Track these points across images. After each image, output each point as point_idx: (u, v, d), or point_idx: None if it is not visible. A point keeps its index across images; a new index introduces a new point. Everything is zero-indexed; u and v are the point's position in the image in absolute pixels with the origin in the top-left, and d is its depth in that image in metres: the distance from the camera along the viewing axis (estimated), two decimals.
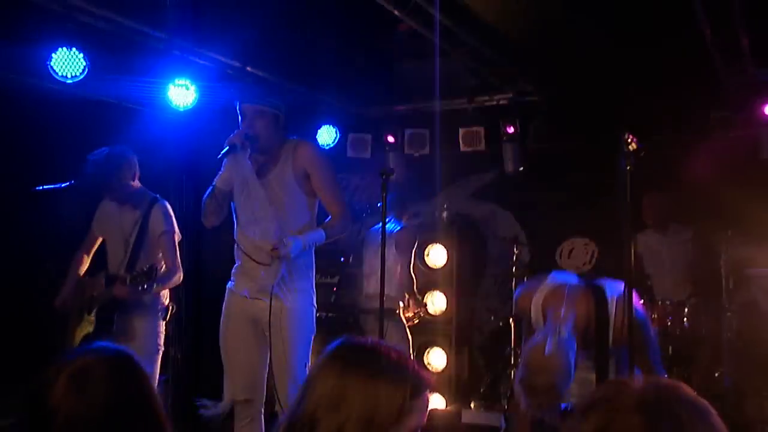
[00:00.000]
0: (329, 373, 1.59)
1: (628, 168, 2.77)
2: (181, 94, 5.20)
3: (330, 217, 3.91)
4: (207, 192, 3.85)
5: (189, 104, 5.25)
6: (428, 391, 1.64)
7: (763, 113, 6.09)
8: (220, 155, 3.70)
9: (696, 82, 6.09)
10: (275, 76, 5.97)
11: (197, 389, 5.27)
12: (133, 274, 4.20)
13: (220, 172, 3.82)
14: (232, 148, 3.69)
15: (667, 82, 5.90)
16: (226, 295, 3.95)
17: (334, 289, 6.44)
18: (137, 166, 4.58)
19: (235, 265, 3.94)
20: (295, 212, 3.83)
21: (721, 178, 6.03)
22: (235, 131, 3.79)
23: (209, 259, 5.61)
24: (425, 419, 1.64)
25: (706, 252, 5.78)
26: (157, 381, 4.55)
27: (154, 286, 4.24)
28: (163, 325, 4.53)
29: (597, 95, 6.17)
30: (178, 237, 4.53)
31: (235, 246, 3.88)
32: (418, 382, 1.62)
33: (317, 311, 3.95)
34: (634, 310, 3.17)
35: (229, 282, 3.95)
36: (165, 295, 4.57)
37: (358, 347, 1.67)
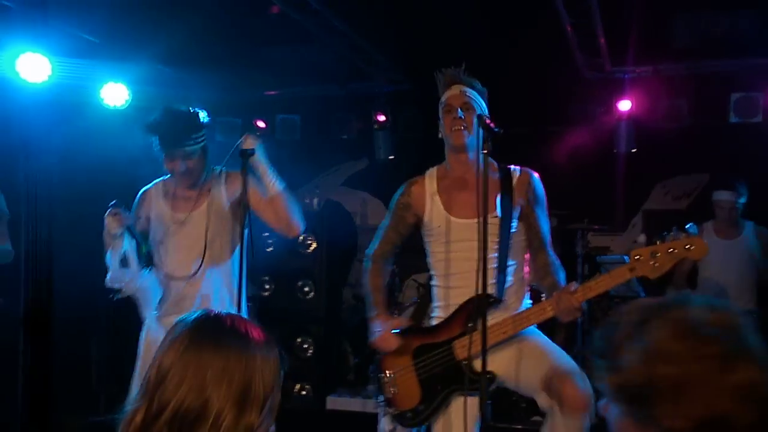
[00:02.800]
0: (196, 350, 1.51)
1: (484, 152, 2.80)
2: (34, 68, 4.86)
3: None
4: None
5: (44, 79, 4.92)
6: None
7: (617, 109, 6.42)
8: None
9: (558, 75, 6.34)
10: (134, 54, 5.72)
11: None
12: None
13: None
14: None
15: (531, 75, 6.10)
16: None
17: None
18: None
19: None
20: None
21: (579, 168, 6.32)
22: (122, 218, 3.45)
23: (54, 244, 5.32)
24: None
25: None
26: None
27: None
28: None
29: None
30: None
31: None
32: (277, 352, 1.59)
33: None
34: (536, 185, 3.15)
35: None
36: None
37: (218, 321, 1.59)
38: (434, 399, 3.10)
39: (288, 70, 6.77)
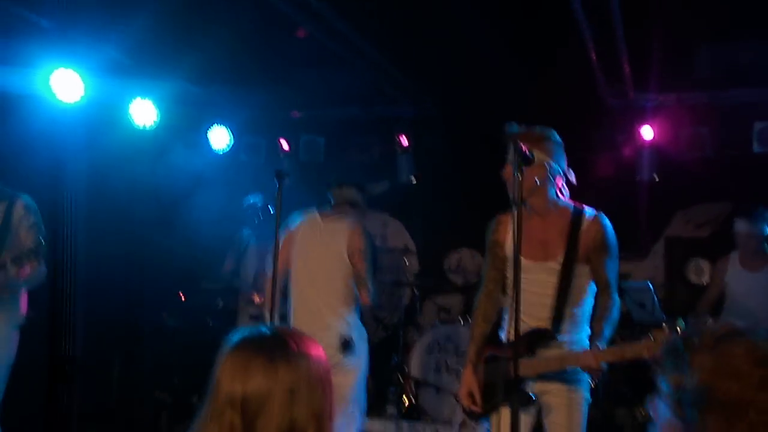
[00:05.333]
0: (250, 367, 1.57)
1: (519, 177, 2.83)
2: (68, 86, 4.97)
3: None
4: None
5: (77, 99, 5.02)
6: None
7: (640, 137, 6.44)
8: None
9: (581, 102, 6.38)
10: (167, 73, 5.83)
11: None
12: (13, 254, 4.12)
13: None
14: None
15: (554, 100, 6.14)
16: None
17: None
18: None
19: None
20: None
21: (601, 195, 6.32)
22: None
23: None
24: None
25: None
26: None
27: (26, 270, 4.18)
28: (17, 338, 4.39)
29: (488, 110, 6.34)
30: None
31: None
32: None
33: None
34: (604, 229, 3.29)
35: None
36: (25, 302, 4.45)
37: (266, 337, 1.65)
38: (492, 402, 3.37)
39: (314, 92, 6.86)
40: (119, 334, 6.22)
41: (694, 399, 1.27)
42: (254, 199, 6.13)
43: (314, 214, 4.64)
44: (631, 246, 6.73)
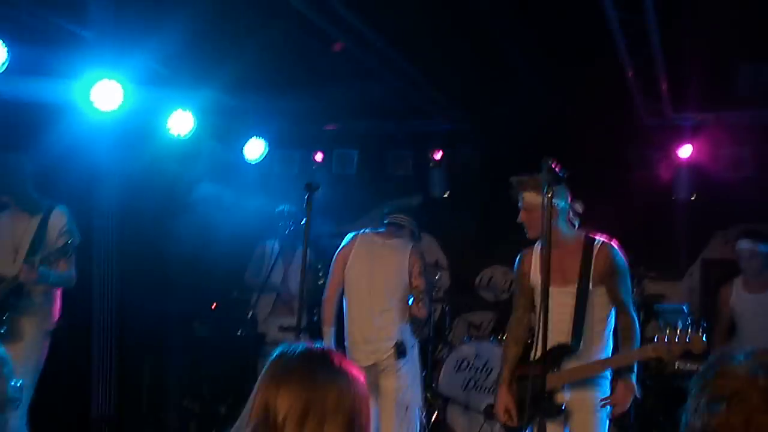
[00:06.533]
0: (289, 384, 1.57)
1: (549, 195, 2.82)
2: (107, 95, 5.03)
3: None
4: None
5: (115, 107, 5.08)
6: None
7: (677, 156, 6.35)
8: None
9: (619, 120, 6.31)
10: (204, 83, 5.89)
11: None
12: (44, 253, 4.24)
13: None
14: None
15: (592, 118, 6.09)
16: None
17: None
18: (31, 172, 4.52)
19: None
20: None
21: (637, 214, 6.25)
22: None
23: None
24: None
25: None
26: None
27: (56, 275, 4.33)
28: (47, 344, 4.48)
29: (523, 126, 6.31)
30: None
31: None
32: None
33: None
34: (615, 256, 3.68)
35: None
36: (57, 308, 4.51)
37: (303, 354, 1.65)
38: (525, 417, 3.67)
39: (347, 105, 6.88)
40: (150, 342, 6.27)
41: None
42: (285, 207, 6.16)
43: (370, 234, 4.92)
44: (667, 266, 6.62)
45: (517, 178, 3.68)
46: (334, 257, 4.87)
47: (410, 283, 4.76)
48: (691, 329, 3.40)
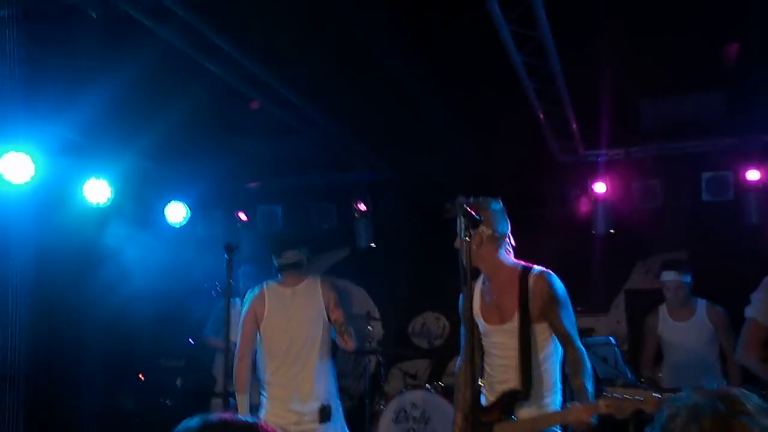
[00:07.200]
0: None
1: (467, 238, 2.85)
2: (18, 168, 4.89)
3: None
4: None
5: (26, 179, 4.94)
6: None
7: (593, 192, 6.55)
8: None
9: (533, 160, 6.48)
10: (121, 150, 5.80)
11: None
12: None
13: None
14: None
15: (506, 159, 6.24)
16: None
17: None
18: None
19: None
20: None
21: (557, 250, 6.36)
22: None
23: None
24: None
25: None
26: None
27: None
28: None
29: (442, 172, 6.41)
30: None
31: None
32: None
33: None
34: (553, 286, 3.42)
35: None
36: None
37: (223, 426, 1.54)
38: None
39: (269, 162, 6.88)
40: (68, 420, 5.97)
41: None
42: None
43: (272, 285, 4.64)
44: (592, 301, 6.76)
45: (458, 199, 3.25)
46: (243, 316, 4.54)
47: (329, 318, 4.54)
48: (645, 388, 3.26)
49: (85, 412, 6.14)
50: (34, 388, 5.18)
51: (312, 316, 4.56)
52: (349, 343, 4.53)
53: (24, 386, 5.05)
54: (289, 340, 4.53)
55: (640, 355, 5.64)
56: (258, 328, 4.53)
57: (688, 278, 5.27)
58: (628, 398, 3.10)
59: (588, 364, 3.40)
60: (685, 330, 5.32)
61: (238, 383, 4.42)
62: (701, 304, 5.32)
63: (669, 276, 5.30)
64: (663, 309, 5.44)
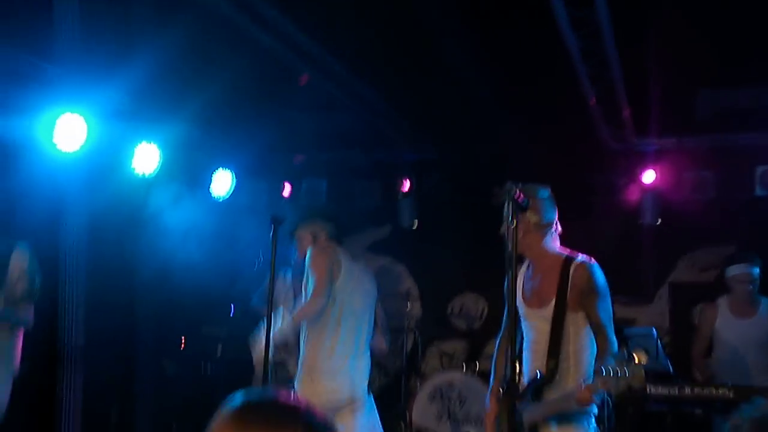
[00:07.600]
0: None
1: (513, 221, 2.82)
2: (71, 131, 4.95)
3: None
4: None
5: (79, 145, 5.00)
6: None
7: (642, 181, 6.43)
8: None
9: (583, 147, 6.38)
10: (170, 115, 5.85)
11: None
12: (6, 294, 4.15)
13: None
14: None
15: (556, 145, 6.15)
16: None
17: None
18: None
19: None
20: None
21: (604, 239, 6.29)
22: None
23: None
24: None
25: None
26: None
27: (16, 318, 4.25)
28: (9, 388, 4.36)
29: (489, 154, 6.35)
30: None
31: None
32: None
33: None
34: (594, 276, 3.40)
35: None
36: (19, 351, 4.41)
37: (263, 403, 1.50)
38: None
39: (316, 136, 6.89)
40: (117, 382, 6.13)
41: None
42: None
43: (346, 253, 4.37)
44: (636, 291, 6.67)
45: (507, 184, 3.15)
46: (313, 260, 4.15)
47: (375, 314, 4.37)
48: (633, 364, 3.16)
49: (138, 380, 6.29)
50: (91, 362, 5.32)
51: (373, 297, 4.43)
52: (383, 345, 4.49)
53: (82, 363, 5.21)
54: (356, 313, 4.33)
55: (691, 349, 5.36)
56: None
57: (757, 270, 5.00)
58: (621, 376, 3.03)
59: (612, 354, 3.34)
60: (746, 328, 5.02)
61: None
62: (765, 302, 5.05)
63: (740, 269, 5.02)
64: (723, 303, 5.14)
